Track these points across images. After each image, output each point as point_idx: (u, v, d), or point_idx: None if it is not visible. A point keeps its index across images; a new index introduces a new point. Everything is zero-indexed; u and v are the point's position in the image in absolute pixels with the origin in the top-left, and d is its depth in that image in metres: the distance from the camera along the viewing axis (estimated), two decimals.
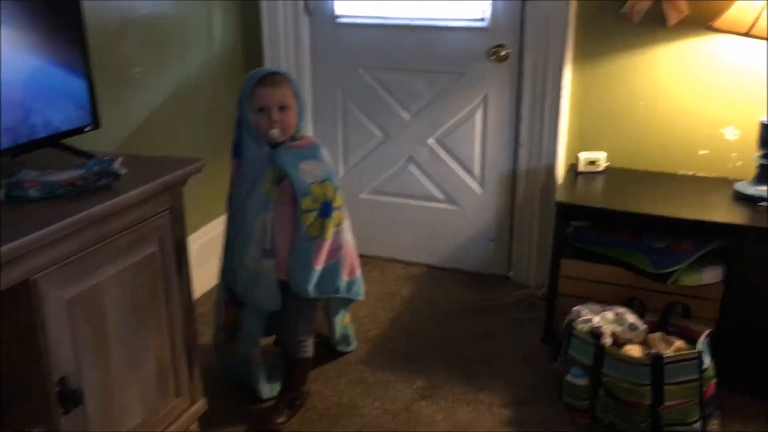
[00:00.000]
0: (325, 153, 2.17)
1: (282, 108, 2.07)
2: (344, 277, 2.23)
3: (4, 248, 1.37)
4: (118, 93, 2.42)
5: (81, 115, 1.92)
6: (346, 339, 2.56)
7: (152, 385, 1.89)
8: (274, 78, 2.09)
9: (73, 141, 1.94)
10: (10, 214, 1.52)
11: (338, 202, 2.15)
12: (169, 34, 2.67)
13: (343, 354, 2.56)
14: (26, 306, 1.48)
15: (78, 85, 1.91)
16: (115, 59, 2.40)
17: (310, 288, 2.12)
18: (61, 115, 1.85)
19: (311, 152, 2.14)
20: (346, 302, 2.43)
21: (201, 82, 2.87)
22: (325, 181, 2.11)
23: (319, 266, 2.12)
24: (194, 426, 2.10)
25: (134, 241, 1.76)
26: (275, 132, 2.06)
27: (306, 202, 2.06)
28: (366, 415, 2.25)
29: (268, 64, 3.10)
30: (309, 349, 2.25)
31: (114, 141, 2.41)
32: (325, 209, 2.10)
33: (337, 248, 2.16)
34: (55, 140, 1.87)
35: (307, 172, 2.08)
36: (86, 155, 1.88)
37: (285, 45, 3.09)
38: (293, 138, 2.12)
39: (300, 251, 2.10)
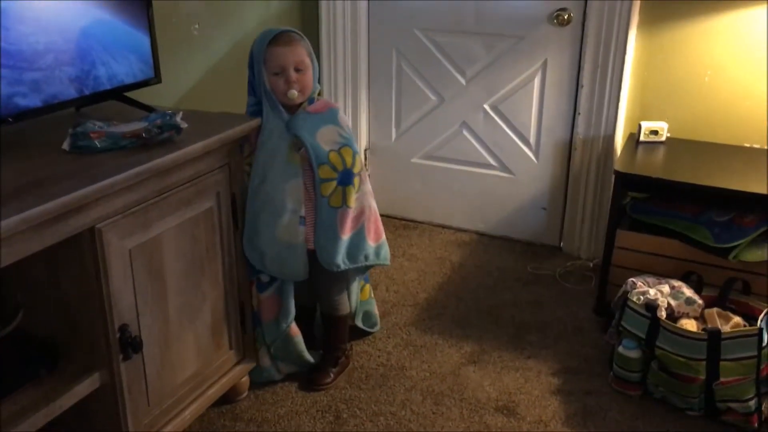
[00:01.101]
0: (343, 116, 2.11)
1: (299, 69, 2.00)
2: (371, 243, 2.16)
3: (71, 196, 1.40)
4: (177, 49, 2.44)
5: (144, 69, 1.94)
6: (368, 316, 2.45)
7: (207, 336, 1.93)
8: (289, 37, 2.02)
9: (134, 94, 1.96)
10: (75, 163, 1.56)
11: (357, 167, 2.08)
12: None
13: (366, 333, 2.45)
14: (91, 254, 1.52)
15: (141, 39, 1.92)
16: (175, 15, 2.41)
17: (339, 259, 2.08)
18: (124, 69, 1.88)
19: (330, 116, 2.07)
20: (362, 270, 2.27)
21: None
22: (343, 146, 2.04)
23: (345, 235, 2.08)
24: (245, 379, 2.14)
25: (193, 195, 1.78)
26: (294, 93, 2.00)
27: (324, 171, 2.01)
28: (413, 377, 2.26)
29: (324, 25, 3.08)
30: (345, 305, 2.26)
31: (173, 96, 2.43)
32: (345, 177, 2.04)
33: (359, 214, 2.11)
34: (118, 93, 1.89)
35: (325, 139, 2.02)
36: (148, 109, 1.91)
37: (342, 5, 3.05)
38: (310, 100, 2.06)
39: (324, 223, 2.05)
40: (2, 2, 1.52)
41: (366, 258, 2.15)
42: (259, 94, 2.05)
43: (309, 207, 2.06)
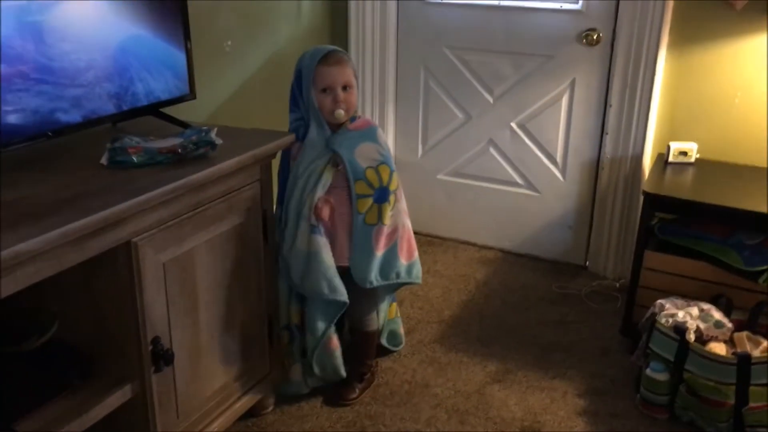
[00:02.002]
0: (381, 134, 2.14)
1: (345, 87, 2.04)
2: (403, 261, 2.16)
3: (109, 211, 1.43)
4: (211, 65, 2.48)
5: (179, 85, 1.98)
6: (393, 335, 2.46)
7: (235, 350, 1.94)
8: (338, 56, 2.05)
9: (169, 110, 2.00)
10: (113, 178, 1.59)
11: (394, 185, 2.11)
12: (260, 8, 2.71)
13: (390, 352, 2.45)
14: (126, 267, 1.55)
15: (177, 56, 1.96)
16: (209, 32, 2.45)
17: (373, 276, 2.09)
18: (161, 85, 1.91)
19: (369, 134, 2.10)
20: (392, 289, 2.31)
21: (289, 57, 2.89)
22: (381, 164, 2.07)
23: (380, 252, 2.09)
24: (270, 394, 2.16)
25: (226, 210, 1.80)
26: (341, 113, 2.04)
27: (360, 187, 2.04)
28: (438, 394, 2.26)
29: (353, 42, 3.11)
30: (374, 322, 2.26)
31: (206, 112, 2.47)
32: (382, 194, 2.07)
33: (393, 231, 2.13)
34: (155, 108, 1.93)
35: (363, 155, 2.05)
36: (183, 125, 1.94)
37: (371, 22, 3.09)
38: (352, 118, 2.10)
39: (359, 239, 2.07)
40: (48, 22, 1.56)
41: (398, 276, 2.16)
42: (303, 109, 2.08)
43: (340, 226, 2.07)
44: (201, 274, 1.76)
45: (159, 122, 1.97)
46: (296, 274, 2.06)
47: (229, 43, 2.57)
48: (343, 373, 2.22)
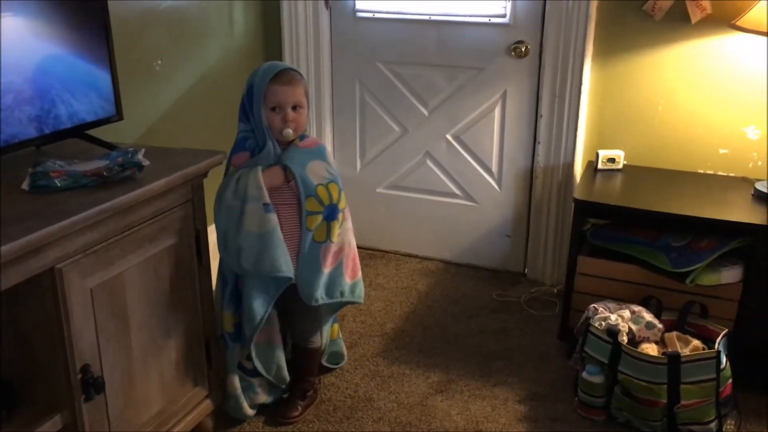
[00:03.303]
0: (330, 154, 2.17)
1: (295, 107, 2.04)
2: (347, 280, 2.16)
3: (30, 237, 1.39)
4: (140, 85, 2.44)
5: (105, 106, 1.94)
6: (335, 355, 2.45)
7: (171, 374, 1.91)
8: (291, 76, 2.05)
9: (95, 132, 1.96)
10: (35, 203, 1.55)
11: (343, 204, 2.13)
12: (191, 26, 2.69)
13: (330, 370, 2.43)
14: (51, 294, 1.51)
15: (102, 76, 1.93)
16: (137, 51, 2.42)
17: (319, 293, 2.08)
18: (85, 106, 1.88)
19: (318, 152, 2.12)
20: (335, 309, 2.27)
21: (221, 75, 2.89)
22: (331, 182, 2.09)
23: (327, 269, 2.09)
24: (209, 417, 2.12)
25: (156, 232, 1.78)
26: (290, 132, 2.04)
27: (311, 204, 2.04)
28: (381, 408, 2.26)
29: (288, 57, 3.11)
30: (318, 339, 2.26)
31: (135, 132, 2.43)
32: (331, 212, 2.07)
33: (339, 250, 2.14)
34: (79, 131, 1.89)
35: (314, 173, 2.06)
36: (109, 146, 1.91)
37: (305, 38, 3.09)
38: (302, 137, 2.11)
39: (307, 256, 2.06)
40: None
41: (341, 294, 2.14)
42: (253, 124, 2.07)
43: (289, 243, 2.03)
44: (132, 298, 1.72)
45: (85, 145, 1.93)
46: (248, 258, 1.98)
47: (160, 62, 2.54)
48: (286, 375, 2.20)
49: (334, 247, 2.10)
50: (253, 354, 2.14)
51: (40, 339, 1.56)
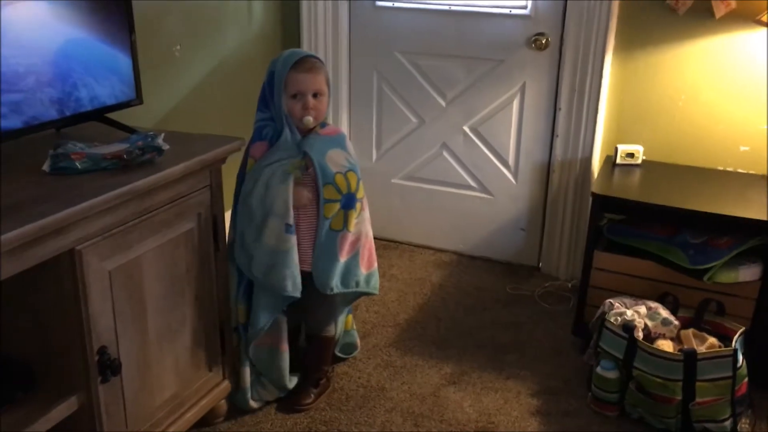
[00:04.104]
0: (349, 143, 2.16)
1: (316, 95, 2.04)
2: (363, 270, 2.16)
3: (51, 218, 1.40)
4: (159, 70, 2.45)
5: (125, 90, 1.94)
6: (348, 346, 2.45)
7: (186, 358, 1.92)
8: (312, 63, 2.04)
9: (114, 116, 1.96)
10: (56, 185, 1.55)
11: (361, 193, 2.12)
12: (210, 12, 2.69)
13: (342, 359, 2.43)
14: (70, 276, 1.51)
15: (123, 60, 1.93)
16: (157, 37, 2.42)
17: (334, 282, 2.08)
18: (106, 90, 1.88)
19: (339, 141, 2.11)
20: (350, 299, 2.29)
21: (239, 62, 2.89)
22: (349, 171, 2.08)
23: (343, 258, 2.09)
24: (224, 401, 2.13)
25: (174, 216, 1.78)
26: (310, 120, 2.03)
27: (328, 192, 2.03)
28: (393, 398, 2.26)
29: (306, 46, 3.10)
30: (332, 328, 2.26)
31: (153, 117, 2.44)
32: (349, 201, 2.07)
33: (356, 239, 2.13)
34: (100, 114, 1.89)
35: (333, 161, 2.05)
36: (129, 130, 1.91)
37: (324, 26, 3.08)
38: (322, 124, 2.10)
39: (324, 244, 2.06)
40: None
41: (357, 284, 2.15)
42: (273, 111, 2.06)
43: (305, 230, 2.06)
44: (149, 282, 1.73)
45: (105, 128, 1.93)
46: (259, 268, 2.03)
47: (179, 47, 2.54)
48: (287, 382, 2.20)
49: (350, 237, 2.10)
50: (251, 354, 2.15)
51: (57, 321, 1.57)
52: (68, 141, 1.69)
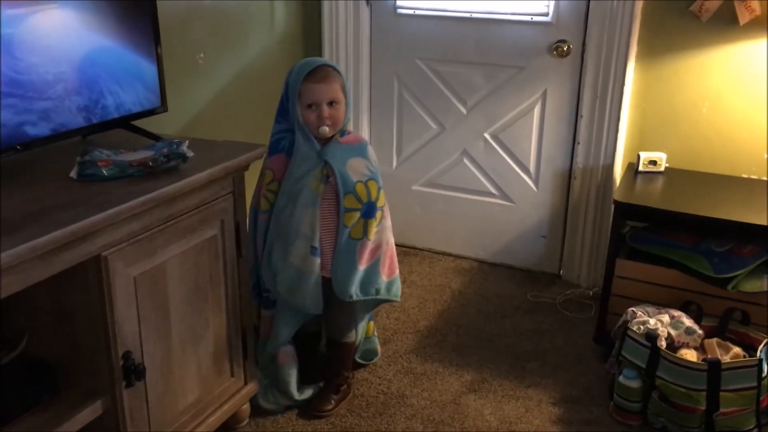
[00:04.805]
0: (371, 151, 2.15)
1: (332, 103, 2.03)
2: (384, 278, 2.17)
3: (78, 225, 1.42)
4: (182, 77, 2.47)
5: (150, 97, 1.97)
6: (369, 353, 2.45)
7: (209, 363, 1.93)
8: (324, 72, 2.03)
9: (139, 123, 1.98)
10: (83, 191, 1.57)
11: (381, 201, 2.12)
12: (233, 20, 2.71)
13: (363, 366, 2.44)
14: (96, 281, 1.53)
15: (149, 68, 1.95)
16: (181, 44, 2.44)
17: (353, 289, 2.10)
18: (132, 97, 1.90)
19: (360, 149, 2.11)
20: (371, 306, 2.30)
21: (261, 69, 2.91)
22: (370, 179, 2.08)
23: (363, 266, 2.10)
24: (246, 407, 2.14)
25: (198, 223, 1.80)
26: (326, 129, 2.03)
27: (349, 201, 2.04)
28: (414, 405, 2.26)
29: (327, 53, 3.12)
30: (353, 334, 2.27)
31: (178, 124, 2.46)
32: (369, 210, 2.08)
33: (376, 247, 2.13)
34: (125, 121, 1.92)
35: (353, 169, 2.06)
36: (155, 137, 1.93)
37: (345, 34, 3.10)
38: (342, 132, 2.10)
39: (344, 252, 2.07)
40: (17, 35, 1.55)
41: (377, 291, 2.16)
42: (291, 122, 2.08)
43: (326, 238, 2.08)
44: (173, 287, 1.74)
45: (130, 135, 1.95)
46: (283, 286, 2.08)
47: (202, 55, 2.56)
48: (294, 393, 2.21)
49: (370, 245, 2.11)
50: (258, 361, 2.18)
51: (83, 325, 1.59)
52: (95, 148, 1.72)
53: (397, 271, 2.24)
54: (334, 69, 2.08)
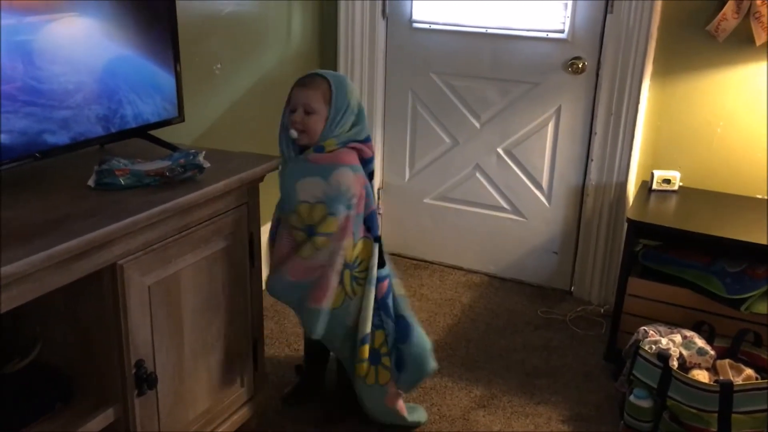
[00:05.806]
0: (343, 176, 1.96)
1: (307, 111, 1.98)
2: (308, 303, 1.99)
3: (96, 233, 1.42)
4: (199, 88, 2.49)
5: (168, 108, 1.98)
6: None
7: (220, 373, 1.93)
8: (311, 79, 2.00)
9: (156, 132, 2.00)
10: (100, 200, 1.59)
11: (326, 228, 1.95)
12: (250, 31, 2.73)
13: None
14: (111, 289, 1.54)
15: (166, 78, 1.97)
16: (198, 55, 2.46)
17: (277, 292, 2.02)
18: (150, 107, 1.92)
19: (323, 170, 1.96)
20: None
21: (277, 80, 2.92)
22: (319, 203, 1.96)
23: (293, 277, 1.98)
24: (253, 419, 2.14)
25: (212, 233, 1.80)
26: (294, 133, 1.97)
27: (292, 219, 2.00)
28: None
29: (342, 65, 3.14)
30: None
31: (194, 134, 2.48)
32: (309, 232, 1.98)
33: (316, 267, 1.97)
34: (143, 131, 1.93)
35: (304, 189, 1.98)
36: (172, 147, 1.94)
37: (360, 47, 3.12)
38: (319, 148, 1.98)
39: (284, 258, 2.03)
40: (38, 43, 1.57)
41: (291, 302, 2.05)
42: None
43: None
44: (186, 297, 1.75)
45: (147, 144, 1.97)
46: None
47: (219, 66, 2.58)
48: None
49: (300, 261, 1.98)
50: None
51: (97, 333, 1.59)
52: (112, 157, 1.73)
53: (323, 306, 1.99)
54: (323, 79, 1.99)
